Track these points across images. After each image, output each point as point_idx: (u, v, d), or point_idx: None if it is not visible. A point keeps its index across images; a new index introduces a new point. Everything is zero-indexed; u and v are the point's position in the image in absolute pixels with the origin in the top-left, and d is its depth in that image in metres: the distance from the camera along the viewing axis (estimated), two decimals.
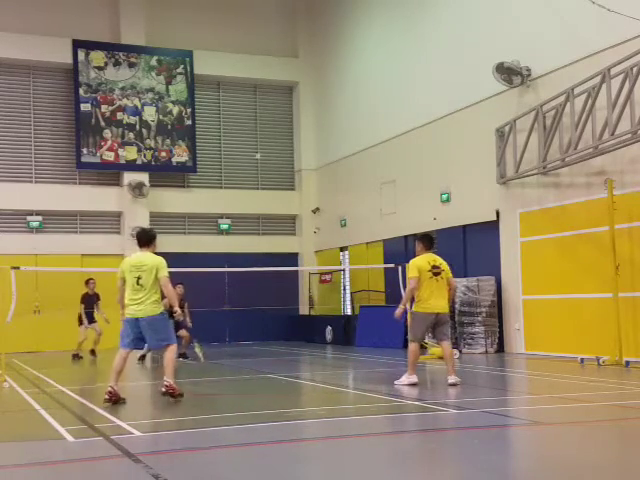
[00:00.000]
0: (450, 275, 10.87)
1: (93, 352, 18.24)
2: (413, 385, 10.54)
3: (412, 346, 10.79)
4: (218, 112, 25.01)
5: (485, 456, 6.14)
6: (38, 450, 6.85)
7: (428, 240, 10.95)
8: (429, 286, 10.54)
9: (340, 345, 20.72)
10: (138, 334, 9.68)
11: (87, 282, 18.49)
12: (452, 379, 10.46)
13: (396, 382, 10.73)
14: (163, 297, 10.03)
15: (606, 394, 9.62)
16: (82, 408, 9.36)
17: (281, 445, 6.71)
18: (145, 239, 9.91)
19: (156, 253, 10.00)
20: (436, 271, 10.55)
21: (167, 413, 9.06)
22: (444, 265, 10.73)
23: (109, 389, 9.43)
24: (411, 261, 10.81)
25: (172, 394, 9.56)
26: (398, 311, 10.89)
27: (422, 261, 10.63)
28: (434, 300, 10.56)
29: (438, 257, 10.84)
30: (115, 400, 9.39)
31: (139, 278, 9.57)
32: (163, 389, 9.64)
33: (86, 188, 23.08)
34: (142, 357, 16.62)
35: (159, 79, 23.73)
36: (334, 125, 24.21)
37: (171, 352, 9.80)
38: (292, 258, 24.89)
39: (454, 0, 18.56)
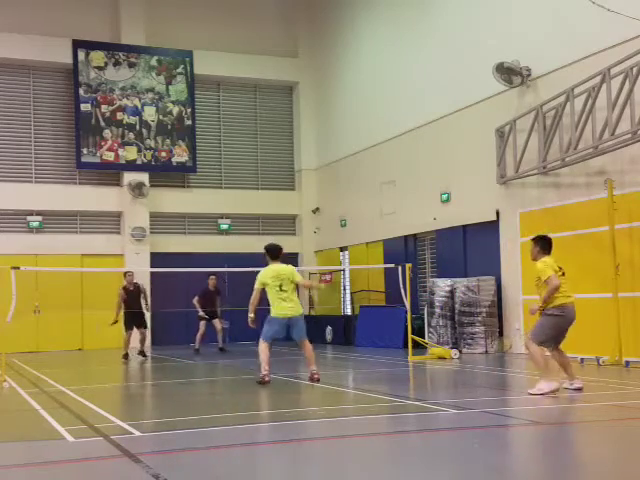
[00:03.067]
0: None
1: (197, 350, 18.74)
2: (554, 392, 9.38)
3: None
4: (218, 112, 25.00)
5: (485, 456, 6.14)
6: (38, 450, 6.85)
7: (548, 243, 9.91)
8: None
9: (340, 345, 20.72)
10: (280, 331, 11.32)
11: (209, 277, 19.15)
12: (566, 383, 9.73)
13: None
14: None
15: (606, 394, 9.62)
16: (82, 408, 9.37)
17: (281, 445, 6.71)
18: (277, 252, 11.54)
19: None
20: (562, 272, 9.72)
21: (167, 413, 9.06)
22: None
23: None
24: (541, 263, 9.69)
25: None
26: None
27: (552, 261, 9.75)
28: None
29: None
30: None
31: (281, 285, 11.22)
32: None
33: (86, 188, 23.07)
34: (141, 352, 17.50)
35: (159, 79, 23.72)
36: (334, 125, 24.21)
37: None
38: (292, 258, 24.86)
39: (454, 0, 18.56)
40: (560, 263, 15.13)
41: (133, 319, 17.13)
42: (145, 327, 17.43)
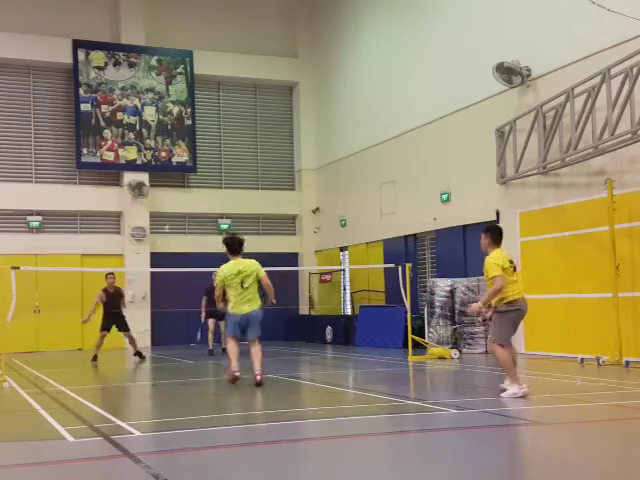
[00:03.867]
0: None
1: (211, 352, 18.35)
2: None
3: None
4: (218, 112, 25.01)
5: (485, 456, 6.14)
6: (38, 450, 6.85)
7: (499, 234, 9.58)
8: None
9: (340, 345, 20.72)
10: (240, 327, 11.13)
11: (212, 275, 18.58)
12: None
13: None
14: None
15: (606, 394, 9.62)
16: (82, 408, 9.37)
17: (281, 445, 6.71)
18: (236, 247, 11.13)
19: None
20: (514, 265, 9.41)
21: (167, 413, 9.07)
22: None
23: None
24: (490, 258, 9.32)
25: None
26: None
27: (501, 256, 9.34)
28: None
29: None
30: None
31: (242, 282, 10.93)
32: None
33: (86, 188, 23.08)
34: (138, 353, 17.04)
35: (159, 79, 23.73)
36: (334, 125, 24.22)
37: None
38: (292, 258, 24.88)
39: (454, 0, 18.56)
40: (560, 263, 15.21)
41: (112, 320, 16.64)
42: (127, 330, 16.89)
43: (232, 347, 11.22)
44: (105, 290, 16.80)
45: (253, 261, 11.18)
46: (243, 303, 11.01)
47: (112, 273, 17.22)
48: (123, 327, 16.90)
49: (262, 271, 11.12)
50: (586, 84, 13.75)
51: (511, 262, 9.35)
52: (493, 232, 9.58)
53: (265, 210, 25.03)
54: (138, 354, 17.00)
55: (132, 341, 17.06)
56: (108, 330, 16.71)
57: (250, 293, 11.02)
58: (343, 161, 23.55)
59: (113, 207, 23.14)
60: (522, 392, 9.13)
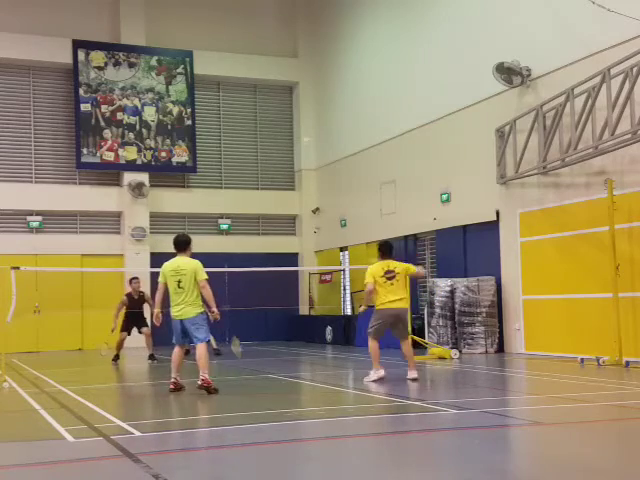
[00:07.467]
0: (412, 270, 11.77)
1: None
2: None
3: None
4: (218, 112, 25.01)
5: (485, 456, 6.14)
6: (38, 450, 6.85)
7: (382, 250, 11.69)
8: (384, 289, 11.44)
9: (340, 345, 20.72)
10: (180, 334, 10.63)
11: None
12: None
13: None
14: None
15: (606, 394, 9.62)
16: (82, 408, 9.36)
17: (281, 445, 6.71)
18: (182, 245, 10.71)
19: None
20: (389, 275, 11.36)
21: (167, 413, 9.06)
22: (399, 267, 11.51)
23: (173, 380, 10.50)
24: (368, 268, 11.64)
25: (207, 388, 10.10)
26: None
27: (377, 267, 11.51)
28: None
29: (394, 262, 11.59)
30: (178, 389, 10.45)
31: (179, 281, 10.28)
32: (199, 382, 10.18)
33: (86, 188, 23.08)
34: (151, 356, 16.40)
35: (159, 79, 23.73)
36: (334, 125, 24.21)
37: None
38: (292, 258, 24.89)
39: (454, 0, 18.56)
40: (560, 263, 15.23)
41: (132, 320, 16.21)
42: (147, 326, 16.24)
43: (175, 353, 10.79)
44: (128, 295, 16.31)
45: (195, 261, 10.45)
46: (177, 307, 10.47)
47: (136, 277, 16.67)
48: (143, 324, 16.32)
49: (202, 273, 10.31)
50: (586, 84, 13.76)
51: (387, 272, 11.35)
52: (380, 247, 11.80)
53: (265, 210, 25.03)
54: (152, 356, 16.20)
55: (149, 342, 16.31)
56: (127, 331, 16.25)
57: (185, 297, 10.31)
58: (343, 161, 23.55)
59: (113, 207, 23.14)
60: (375, 376, 11.18)
